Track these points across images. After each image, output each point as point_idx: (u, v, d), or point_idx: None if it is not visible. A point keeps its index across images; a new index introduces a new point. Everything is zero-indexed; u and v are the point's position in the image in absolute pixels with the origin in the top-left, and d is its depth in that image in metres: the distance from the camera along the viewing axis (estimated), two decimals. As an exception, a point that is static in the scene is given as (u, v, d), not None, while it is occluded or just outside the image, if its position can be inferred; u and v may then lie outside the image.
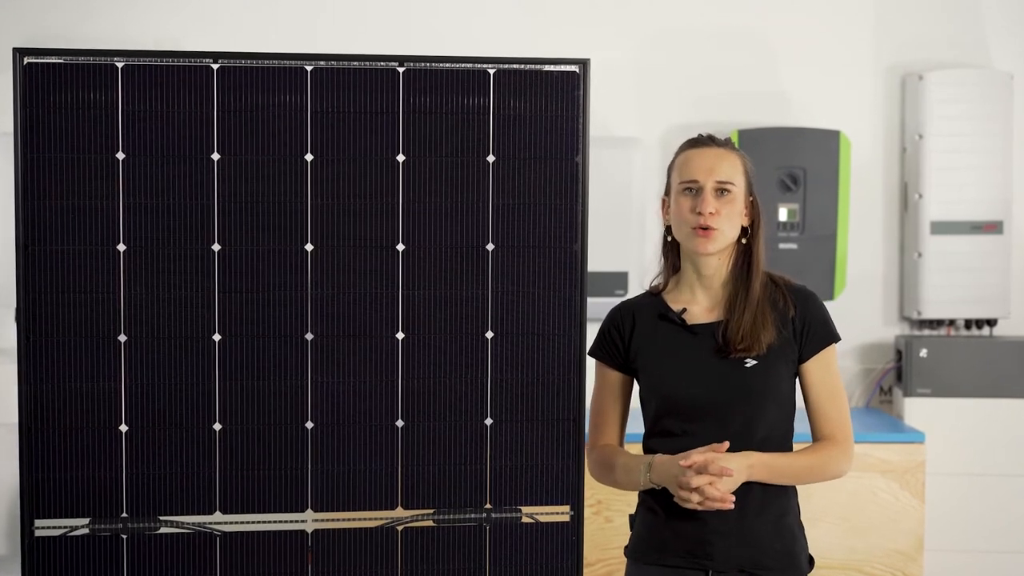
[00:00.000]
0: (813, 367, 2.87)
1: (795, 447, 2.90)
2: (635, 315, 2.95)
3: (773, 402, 2.84)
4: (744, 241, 2.90)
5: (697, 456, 2.71)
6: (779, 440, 2.86)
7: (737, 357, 2.82)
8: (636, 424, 2.99)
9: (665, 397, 2.87)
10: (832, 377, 2.89)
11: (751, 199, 2.91)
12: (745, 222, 2.90)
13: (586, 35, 5.33)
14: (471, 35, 5.27)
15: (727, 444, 2.74)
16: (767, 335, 2.82)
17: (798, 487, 2.91)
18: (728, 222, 2.84)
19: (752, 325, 2.82)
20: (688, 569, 2.83)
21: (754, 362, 2.82)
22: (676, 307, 2.91)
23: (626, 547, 2.97)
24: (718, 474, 2.69)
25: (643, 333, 2.92)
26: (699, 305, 2.91)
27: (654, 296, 2.97)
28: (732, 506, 2.71)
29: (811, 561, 2.92)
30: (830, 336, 2.89)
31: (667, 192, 2.94)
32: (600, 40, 5.30)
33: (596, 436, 2.99)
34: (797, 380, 2.91)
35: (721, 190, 2.84)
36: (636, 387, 2.99)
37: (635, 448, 2.94)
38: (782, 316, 2.86)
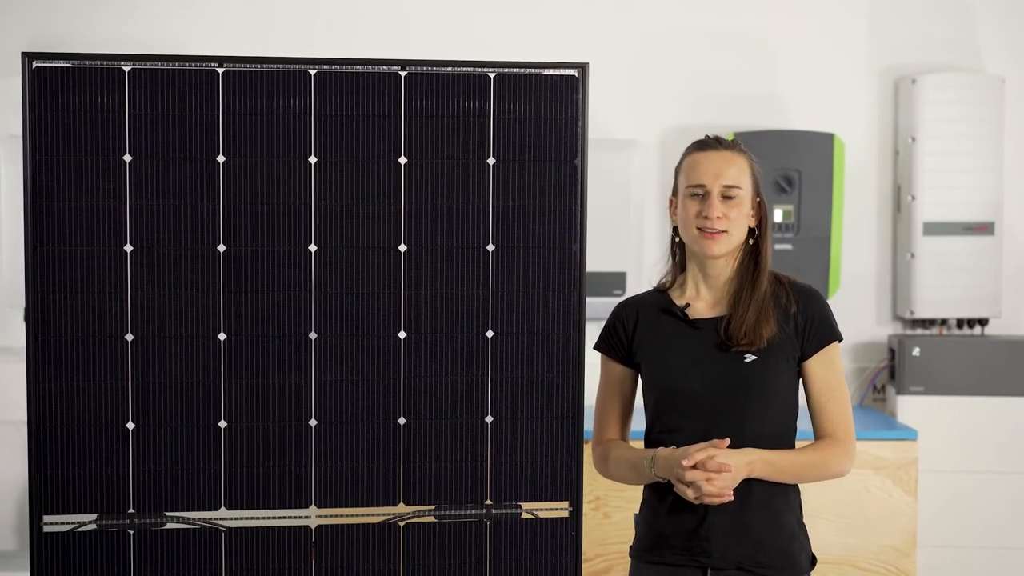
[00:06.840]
0: (815, 365, 2.90)
1: (797, 445, 2.92)
2: (639, 310, 2.99)
3: (772, 397, 2.86)
4: (752, 241, 2.94)
5: (698, 454, 2.74)
6: (779, 436, 2.88)
7: (738, 351, 2.85)
8: (641, 421, 3.03)
9: (664, 390, 2.91)
10: (834, 375, 2.90)
11: (758, 200, 2.94)
12: (752, 223, 2.93)
13: (584, 36, 5.37)
14: (469, 36, 5.31)
15: (727, 441, 2.76)
16: (768, 330, 2.84)
17: (800, 486, 2.93)
18: (735, 225, 2.88)
19: (755, 320, 2.84)
20: (687, 567, 2.86)
21: (753, 357, 2.85)
22: (680, 303, 2.95)
23: (631, 547, 3.01)
24: (716, 470, 2.72)
25: (646, 327, 2.96)
26: (703, 301, 2.95)
27: (660, 293, 3.01)
28: (731, 498, 2.74)
29: (813, 561, 2.93)
30: (832, 334, 2.91)
31: (674, 193, 2.98)
32: (598, 42, 5.34)
33: (600, 431, 3.03)
34: (800, 379, 2.93)
35: (727, 195, 2.88)
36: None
37: (639, 443, 2.99)
38: (784, 313, 2.89)
